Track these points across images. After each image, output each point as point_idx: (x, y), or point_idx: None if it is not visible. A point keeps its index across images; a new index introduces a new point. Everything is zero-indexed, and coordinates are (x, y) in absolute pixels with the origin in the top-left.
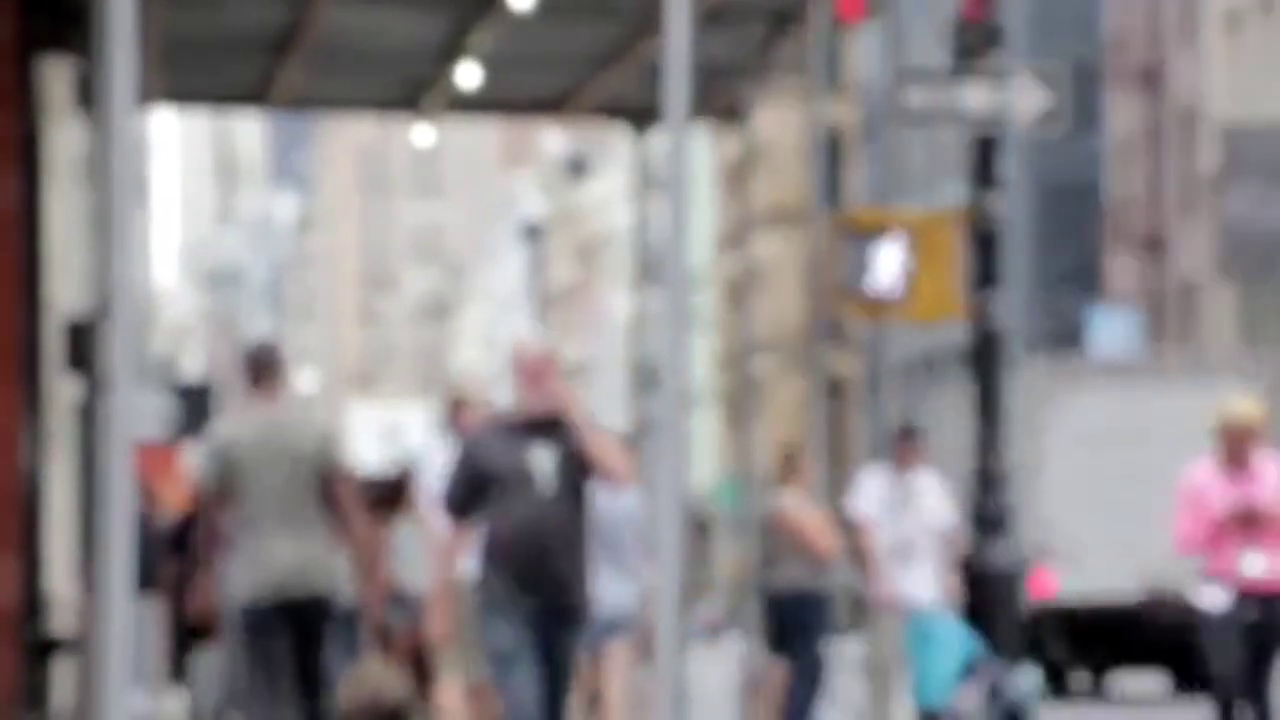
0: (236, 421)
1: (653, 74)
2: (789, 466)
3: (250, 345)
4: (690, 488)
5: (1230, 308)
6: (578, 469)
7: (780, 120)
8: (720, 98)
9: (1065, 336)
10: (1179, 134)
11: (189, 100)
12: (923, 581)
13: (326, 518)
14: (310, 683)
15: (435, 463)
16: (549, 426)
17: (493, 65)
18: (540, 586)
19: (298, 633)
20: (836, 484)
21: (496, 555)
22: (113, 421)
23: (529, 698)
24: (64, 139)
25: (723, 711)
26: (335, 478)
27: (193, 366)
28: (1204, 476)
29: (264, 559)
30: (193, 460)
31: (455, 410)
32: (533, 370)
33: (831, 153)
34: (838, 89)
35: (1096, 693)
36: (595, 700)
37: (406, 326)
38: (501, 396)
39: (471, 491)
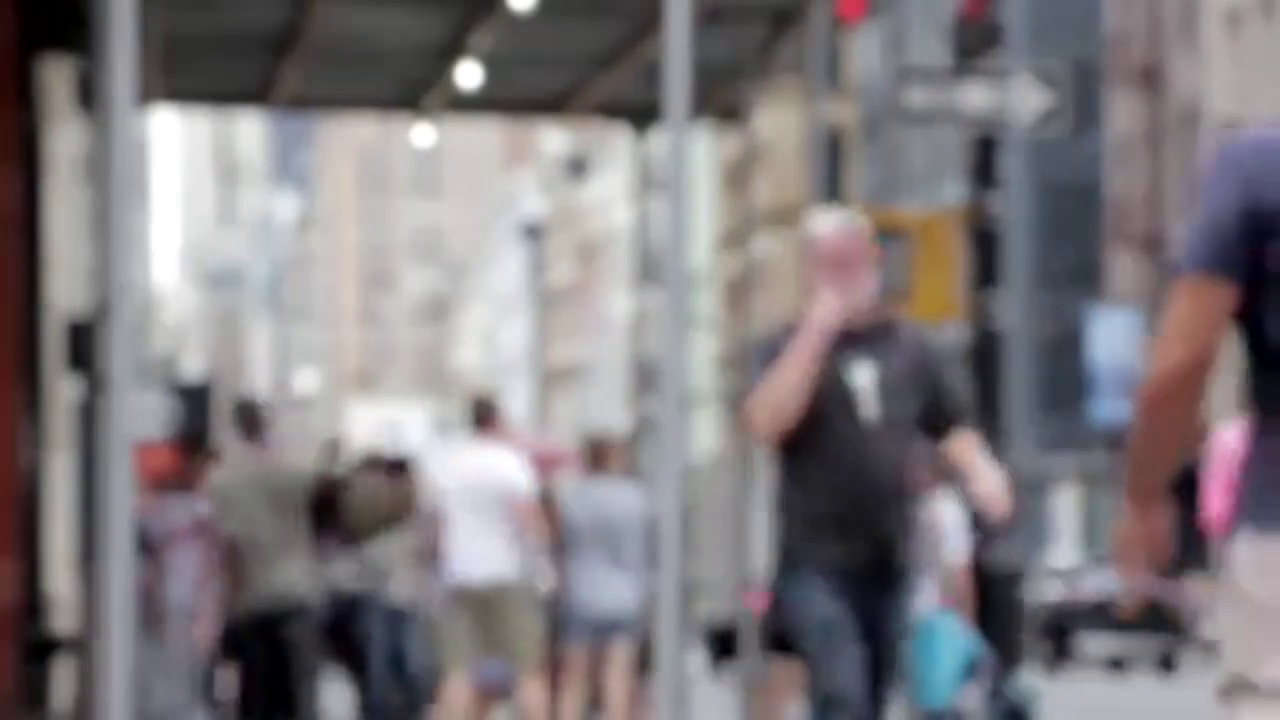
0: (230, 472)
1: (653, 74)
2: None
3: (238, 401)
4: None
5: None
6: (909, 388)
7: (780, 120)
8: (720, 98)
9: (1065, 336)
10: (1179, 134)
11: (189, 100)
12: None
13: (306, 547)
14: (287, 684)
15: (451, 464)
16: (871, 333)
17: (493, 65)
18: (864, 543)
19: (273, 641)
20: None
21: (809, 502)
22: (113, 421)
23: (854, 682)
24: (64, 139)
25: (723, 712)
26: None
27: (193, 366)
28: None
29: (247, 584)
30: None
31: (483, 414)
32: (838, 258)
33: (831, 153)
34: (838, 89)
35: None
36: (596, 700)
37: (406, 326)
38: (503, 395)
39: None
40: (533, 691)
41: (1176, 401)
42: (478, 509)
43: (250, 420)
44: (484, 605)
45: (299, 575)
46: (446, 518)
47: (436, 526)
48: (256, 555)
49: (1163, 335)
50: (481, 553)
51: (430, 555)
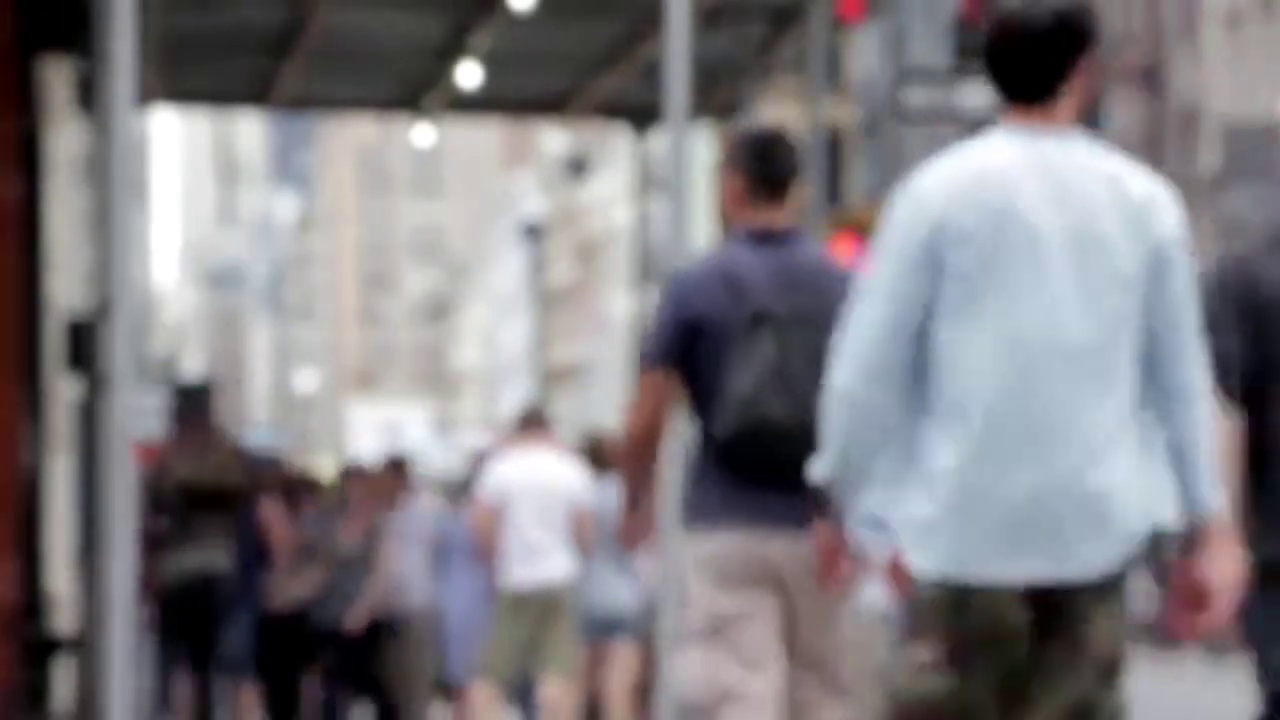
0: (175, 459)
1: (653, 74)
2: None
3: (181, 386)
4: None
5: None
6: None
7: (780, 120)
8: (720, 98)
9: None
10: (1179, 134)
11: (189, 100)
12: None
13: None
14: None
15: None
16: None
17: (493, 65)
18: None
19: (195, 610)
20: None
21: None
22: (113, 420)
23: None
24: (64, 139)
25: None
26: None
27: (193, 366)
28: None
29: (176, 562)
30: None
31: (533, 419)
32: None
33: (831, 153)
34: (838, 89)
35: None
36: (594, 700)
37: (406, 326)
38: (503, 395)
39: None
40: (556, 690)
41: (644, 449)
42: (540, 514)
43: (190, 407)
44: (536, 609)
45: (217, 557)
46: (506, 520)
47: (493, 526)
48: (181, 537)
49: (631, 407)
50: (540, 557)
51: (484, 555)
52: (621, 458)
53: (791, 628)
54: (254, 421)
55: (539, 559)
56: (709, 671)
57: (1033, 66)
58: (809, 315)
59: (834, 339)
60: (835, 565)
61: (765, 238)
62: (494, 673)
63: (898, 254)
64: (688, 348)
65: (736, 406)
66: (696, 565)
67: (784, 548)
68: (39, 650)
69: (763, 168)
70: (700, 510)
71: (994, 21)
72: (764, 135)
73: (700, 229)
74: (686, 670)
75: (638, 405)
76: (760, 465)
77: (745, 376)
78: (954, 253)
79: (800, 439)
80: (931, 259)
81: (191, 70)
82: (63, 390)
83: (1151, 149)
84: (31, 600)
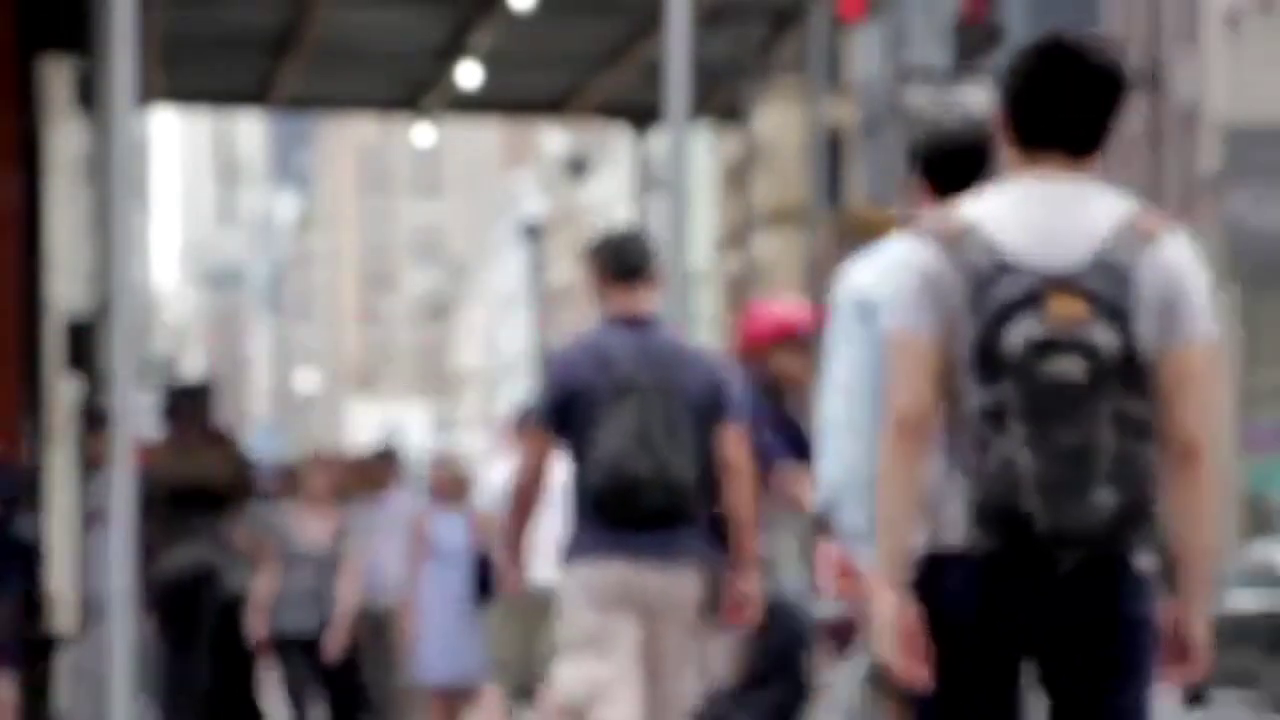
0: (160, 457)
1: (653, 74)
2: None
3: (175, 386)
4: None
5: (1231, 309)
6: None
7: (780, 120)
8: (720, 98)
9: None
10: (1179, 134)
11: (189, 100)
12: None
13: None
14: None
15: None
16: None
17: (493, 65)
18: None
19: (192, 606)
20: None
21: None
22: (113, 420)
23: None
24: (64, 139)
25: None
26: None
27: (193, 366)
28: None
29: (173, 559)
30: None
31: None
32: None
33: (831, 153)
34: (838, 89)
35: None
36: None
37: (406, 326)
38: (503, 395)
39: None
40: None
41: (528, 494)
42: (542, 515)
43: (180, 406)
44: (538, 611)
45: (212, 553)
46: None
47: (497, 527)
48: (175, 534)
49: (519, 467)
50: (541, 558)
51: (484, 550)
52: (510, 505)
53: (652, 647)
54: (254, 421)
55: (540, 560)
56: (583, 673)
57: (953, 168)
58: (667, 387)
59: (687, 408)
60: (737, 606)
61: (628, 322)
62: (502, 676)
63: (844, 330)
64: (565, 413)
65: (607, 464)
66: (572, 589)
67: (650, 577)
68: (39, 649)
69: (614, 262)
70: (578, 546)
71: (926, 135)
72: (615, 236)
73: (700, 229)
74: (560, 678)
75: (524, 457)
76: (627, 512)
77: (613, 438)
78: (871, 326)
79: (660, 491)
80: (860, 326)
81: (191, 70)
82: (63, 390)
83: (1151, 149)
84: (32, 600)
